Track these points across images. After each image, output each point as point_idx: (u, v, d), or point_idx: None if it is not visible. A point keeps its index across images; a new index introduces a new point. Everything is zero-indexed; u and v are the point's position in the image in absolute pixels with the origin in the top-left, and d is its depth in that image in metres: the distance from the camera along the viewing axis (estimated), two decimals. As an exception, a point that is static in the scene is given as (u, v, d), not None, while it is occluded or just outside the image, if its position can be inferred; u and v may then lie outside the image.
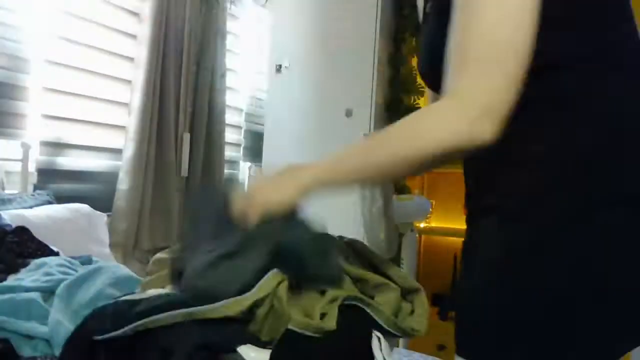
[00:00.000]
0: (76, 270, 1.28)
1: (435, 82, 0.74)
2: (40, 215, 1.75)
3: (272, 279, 0.75)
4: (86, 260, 1.73)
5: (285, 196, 0.80)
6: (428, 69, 0.82)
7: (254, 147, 3.35)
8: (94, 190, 2.36)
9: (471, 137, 0.65)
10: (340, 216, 2.50)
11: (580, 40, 0.69)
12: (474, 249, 0.76)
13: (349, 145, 0.79)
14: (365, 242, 1.28)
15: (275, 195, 0.80)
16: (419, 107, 2.64)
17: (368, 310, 0.81)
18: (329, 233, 0.91)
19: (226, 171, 3.06)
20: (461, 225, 0.91)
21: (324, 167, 0.79)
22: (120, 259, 2.41)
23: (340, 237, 0.99)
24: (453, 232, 2.76)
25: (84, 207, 1.95)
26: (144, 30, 2.42)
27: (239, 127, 3.31)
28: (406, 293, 0.90)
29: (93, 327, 0.75)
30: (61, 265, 1.28)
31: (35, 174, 2.12)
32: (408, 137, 0.72)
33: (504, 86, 0.65)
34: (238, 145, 3.30)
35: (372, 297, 0.86)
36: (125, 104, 2.43)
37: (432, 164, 0.79)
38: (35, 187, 2.10)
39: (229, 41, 3.01)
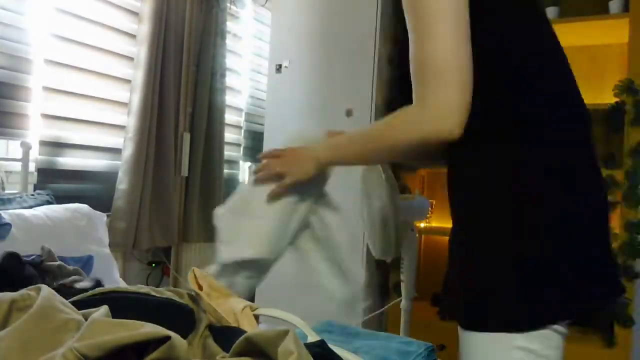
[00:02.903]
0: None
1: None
2: (40, 215, 1.75)
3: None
4: (86, 261, 1.74)
5: (305, 169, 1.06)
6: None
7: (254, 147, 3.35)
8: (94, 190, 2.36)
9: (436, 132, 0.82)
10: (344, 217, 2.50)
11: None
12: None
13: (350, 132, 1.02)
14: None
15: (297, 168, 1.07)
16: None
17: None
18: None
19: (226, 171, 3.06)
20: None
21: (328, 150, 1.04)
22: (120, 259, 2.42)
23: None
24: (453, 232, 2.75)
25: (84, 207, 1.95)
26: (143, 30, 2.42)
27: (239, 127, 3.31)
28: None
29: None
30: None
31: (35, 174, 2.12)
32: (389, 134, 0.90)
33: (458, 93, 0.79)
34: (238, 145, 3.30)
35: None
36: (125, 104, 2.43)
37: (413, 154, 0.95)
38: (35, 187, 2.10)
39: (229, 41, 3.01)
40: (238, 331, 0.97)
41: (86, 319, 0.66)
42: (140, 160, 2.37)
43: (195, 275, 0.98)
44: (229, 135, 3.09)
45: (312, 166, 1.05)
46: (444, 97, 0.79)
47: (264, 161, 1.15)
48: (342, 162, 1.05)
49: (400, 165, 2.60)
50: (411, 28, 0.84)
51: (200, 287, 0.97)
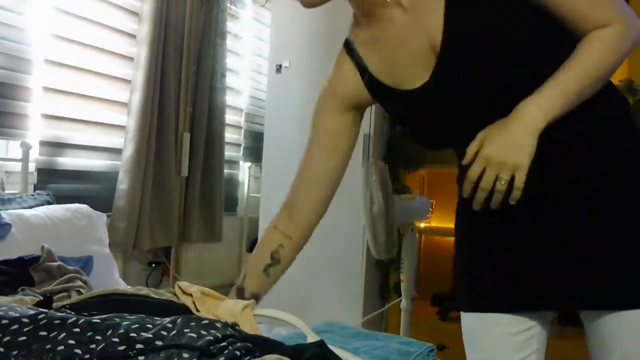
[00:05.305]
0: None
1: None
2: (40, 216, 1.75)
3: None
4: (86, 261, 1.74)
5: (526, 152, 0.78)
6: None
7: (254, 147, 3.35)
8: (94, 190, 2.36)
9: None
10: (344, 217, 2.50)
11: None
12: None
13: (560, 72, 0.83)
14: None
15: (514, 155, 0.78)
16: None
17: None
18: None
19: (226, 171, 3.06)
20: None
21: (550, 99, 0.81)
22: (120, 259, 2.42)
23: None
24: (453, 232, 2.75)
25: (84, 207, 1.95)
26: (143, 30, 2.42)
27: (239, 127, 3.31)
28: None
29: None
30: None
31: (35, 174, 2.12)
32: (605, 59, 0.84)
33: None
34: (238, 145, 3.30)
35: None
36: (125, 104, 2.43)
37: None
38: (35, 187, 2.10)
39: (229, 41, 3.01)
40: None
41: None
42: (141, 160, 2.37)
43: (181, 288, 0.98)
44: (229, 135, 3.09)
45: (533, 140, 0.79)
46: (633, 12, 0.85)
47: (474, 164, 0.82)
48: (558, 114, 0.82)
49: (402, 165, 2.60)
50: None
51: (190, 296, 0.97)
